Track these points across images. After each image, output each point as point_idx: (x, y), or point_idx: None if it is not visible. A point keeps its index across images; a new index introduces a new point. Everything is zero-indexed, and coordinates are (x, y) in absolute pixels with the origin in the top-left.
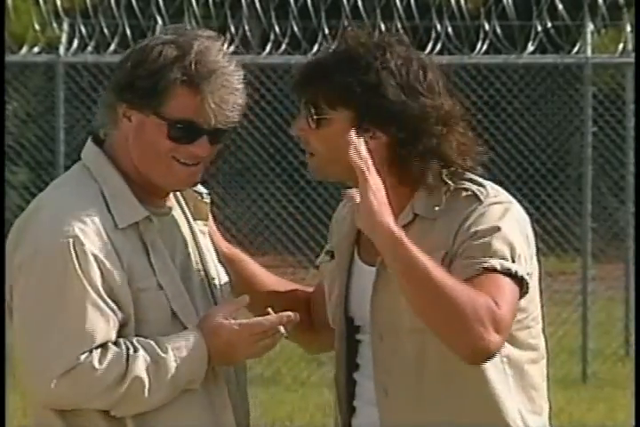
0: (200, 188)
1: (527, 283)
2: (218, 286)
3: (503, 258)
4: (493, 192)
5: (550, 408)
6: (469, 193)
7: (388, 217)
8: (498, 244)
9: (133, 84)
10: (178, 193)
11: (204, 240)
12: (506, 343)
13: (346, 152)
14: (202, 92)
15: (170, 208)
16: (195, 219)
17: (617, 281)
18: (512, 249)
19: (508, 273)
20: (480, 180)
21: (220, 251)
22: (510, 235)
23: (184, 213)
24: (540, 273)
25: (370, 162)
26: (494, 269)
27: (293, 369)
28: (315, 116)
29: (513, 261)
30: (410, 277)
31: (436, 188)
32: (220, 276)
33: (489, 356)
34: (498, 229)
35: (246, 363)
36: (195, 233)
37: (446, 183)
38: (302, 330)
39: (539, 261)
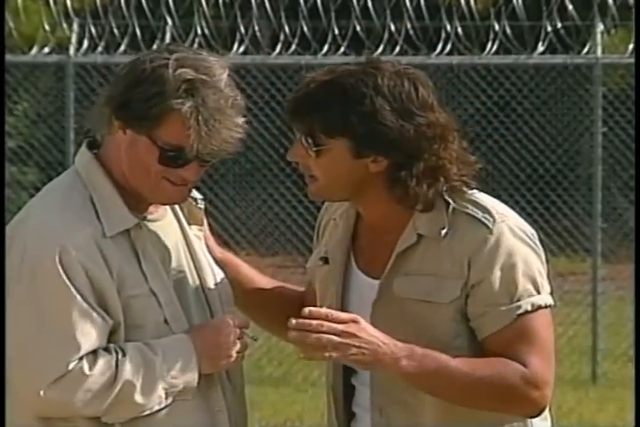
0: (194, 193)
1: (553, 302)
2: (214, 291)
3: (530, 295)
4: (498, 216)
5: (560, 409)
6: (475, 220)
7: (391, 355)
8: (522, 282)
9: (128, 105)
10: None
11: (200, 245)
12: None
13: (346, 177)
14: (196, 123)
15: (162, 213)
16: (189, 224)
17: (627, 281)
18: (535, 281)
19: (538, 308)
20: (480, 199)
21: (214, 256)
22: (528, 265)
23: (177, 218)
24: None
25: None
26: (527, 311)
27: (304, 369)
28: (313, 148)
29: (539, 292)
30: (449, 387)
31: (437, 206)
32: (217, 280)
33: (543, 408)
34: (516, 265)
35: (242, 366)
36: (188, 238)
37: (447, 202)
38: None
39: (548, 261)
